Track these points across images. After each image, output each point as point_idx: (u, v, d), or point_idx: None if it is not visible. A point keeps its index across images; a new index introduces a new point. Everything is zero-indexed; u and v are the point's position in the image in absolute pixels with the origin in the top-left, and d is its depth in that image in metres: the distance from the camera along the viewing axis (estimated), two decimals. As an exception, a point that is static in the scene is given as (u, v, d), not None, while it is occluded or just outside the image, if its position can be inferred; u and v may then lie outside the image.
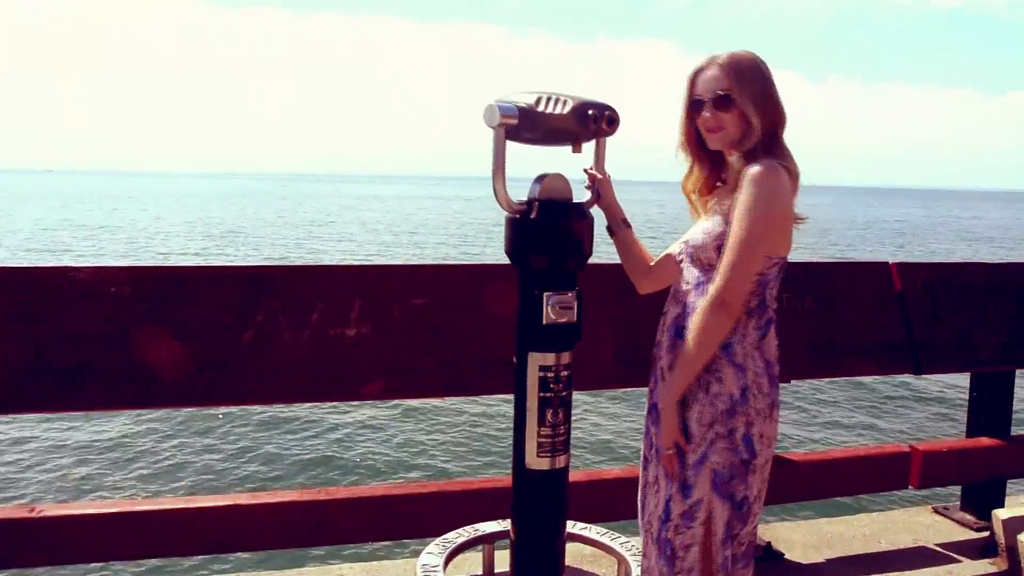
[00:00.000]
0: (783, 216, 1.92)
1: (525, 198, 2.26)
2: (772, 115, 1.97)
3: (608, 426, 9.27)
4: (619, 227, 2.34)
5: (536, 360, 2.19)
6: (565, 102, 2.18)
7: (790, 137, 2.05)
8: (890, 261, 3.27)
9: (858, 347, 3.22)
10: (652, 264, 2.28)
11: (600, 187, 2.35)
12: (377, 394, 2.65)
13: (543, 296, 2.20)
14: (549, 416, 2.23)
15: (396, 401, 8.93)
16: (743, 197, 1.89)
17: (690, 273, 2.06)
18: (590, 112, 2.16)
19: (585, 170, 2.38)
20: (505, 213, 2.27)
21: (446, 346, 2.71)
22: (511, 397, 2.36)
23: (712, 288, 1.93)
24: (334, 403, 7.70)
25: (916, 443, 3.48)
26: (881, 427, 9.60)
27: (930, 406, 10.57)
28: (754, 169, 1.90)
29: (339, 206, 73.50)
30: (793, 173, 1.93)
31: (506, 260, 2.33)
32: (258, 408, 9.28)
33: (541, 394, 2.20)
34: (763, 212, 1.88)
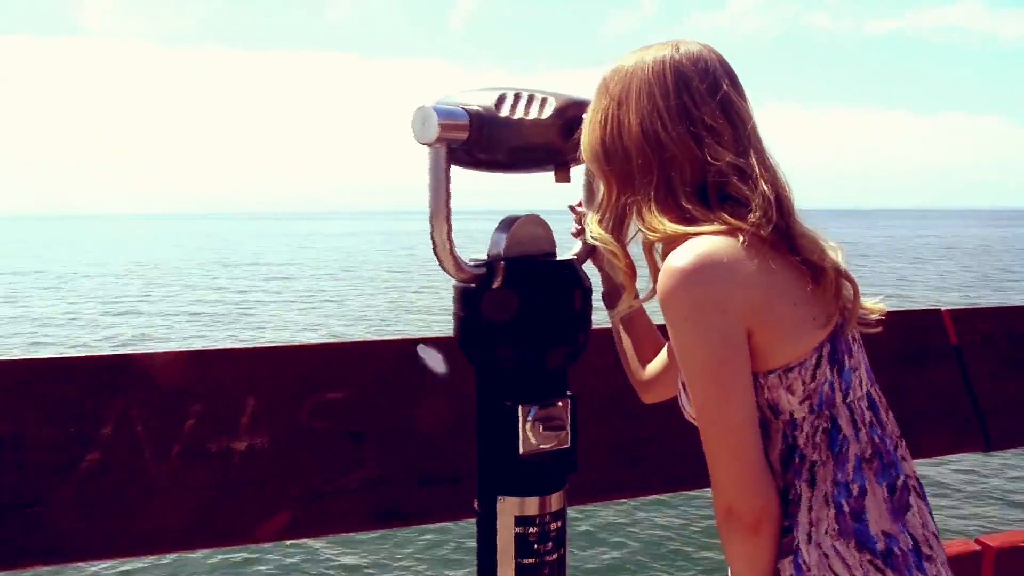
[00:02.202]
0: (736, 315, 1.29)
1: (483, 256, 1.65)
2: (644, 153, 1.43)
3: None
4: (619, 295, 1.67)
5: (510, 509, 1.51)
6: (544, 101, 1.60)
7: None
8: (940, 309, 2.66)
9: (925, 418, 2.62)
10: (663, 357, 1.60)
11: (585, 223, 1.69)
12: (279, 532, 1.97)
13: (518, 411, 1.50)
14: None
15: (308, 541, 7.33)
16: (669, 331, 1.35)
17: None
18: (584, 116, 1.56)
19: (572, 208, 1.77)
20: (452, 281, 1.57)
21: (373, 458, 2.09)
22: (467, 526, 1.65)
23: (713, 498, 1.35)
24: (218, 551, 6.23)
25: (986, 537, 2.88)
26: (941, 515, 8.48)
27: (998, 484, 8.90)
28: (660, 279, 1.34)
29: (285, 245, 71.39)
30: (744, 225, 1.34)
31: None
32: (98, 566, 6.93)
33: (520, 560, 1.50)
34: (700, 345, 1.30)
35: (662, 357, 1.68)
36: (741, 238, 1.31)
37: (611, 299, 1.74)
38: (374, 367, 2.10)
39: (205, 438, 1.97)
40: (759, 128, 1.42)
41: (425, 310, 24.76)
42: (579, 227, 1.78)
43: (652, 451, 2.24)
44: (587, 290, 1.64)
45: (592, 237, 1.49)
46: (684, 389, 1.41)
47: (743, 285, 1.28)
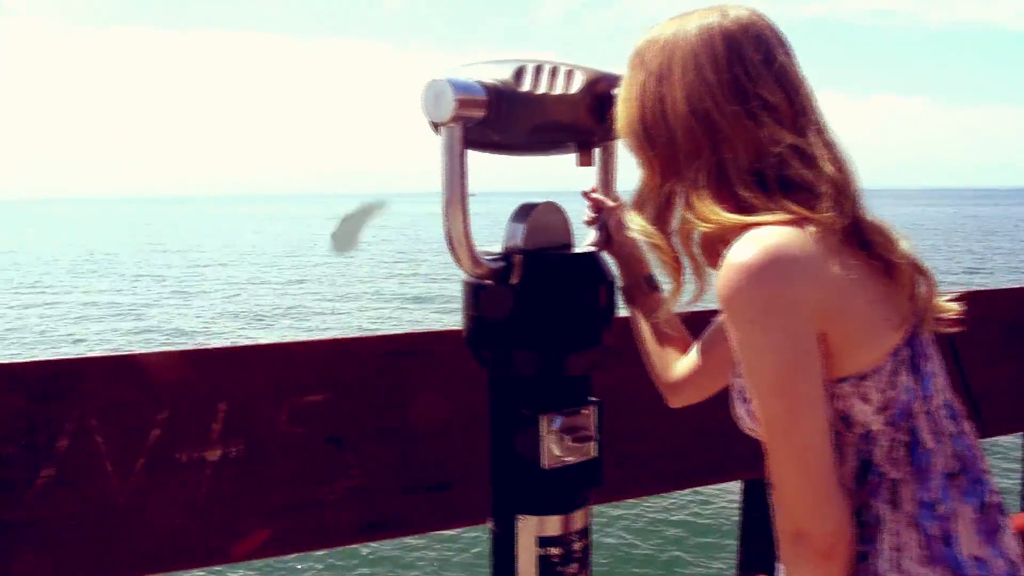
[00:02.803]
0: (808, 318, 1.16)
1: (497, 248, 1.54)
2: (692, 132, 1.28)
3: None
4: (641, 289, 1.53)
5: (531, 529, 1.38)
6: (571, 74, 1.48)
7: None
8: None
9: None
10: (695, 356, 1.48)
11: (611, 222, 1.66)
12: (258, 550, 1.84)
13: (539, 421, 1.37)
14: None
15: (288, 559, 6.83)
16: (730, 335, 1.21)
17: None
18: (614, 92, 1.43)
19: (586, 194, 1.68)
20: (463, 275, 1.43)
21: (358, 465, 1.95)
22: (475, 533, 1.53)
23: (777, 518, 1.23)
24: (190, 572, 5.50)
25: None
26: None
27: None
28: (720, 274, 1.20)
29: (221, 229, 68.35)
30: (813, 216, 1.20)
31: (447, 321, 1.50)
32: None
33: (545, 585, 1.38)
34: (769, 352, 1.17)
35: (692, 356, 1.56)
36: (811, 229, 1.18)
37: (631, 294, 1.62)
38: (357, 366, 1.96)
39: (173, 449, 1.81)
40: (817, 101, 1.30)
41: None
42: (594, 215, 1.65)
43: (643, 449, 2.14)
44: (611, 284, 1.52)
45: (633, 229, 1.36)
46: (743, 398, 1.29)
47: (816, 283, 1.16)
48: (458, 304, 1.62)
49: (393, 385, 1.96)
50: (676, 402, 1.61)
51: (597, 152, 1.62)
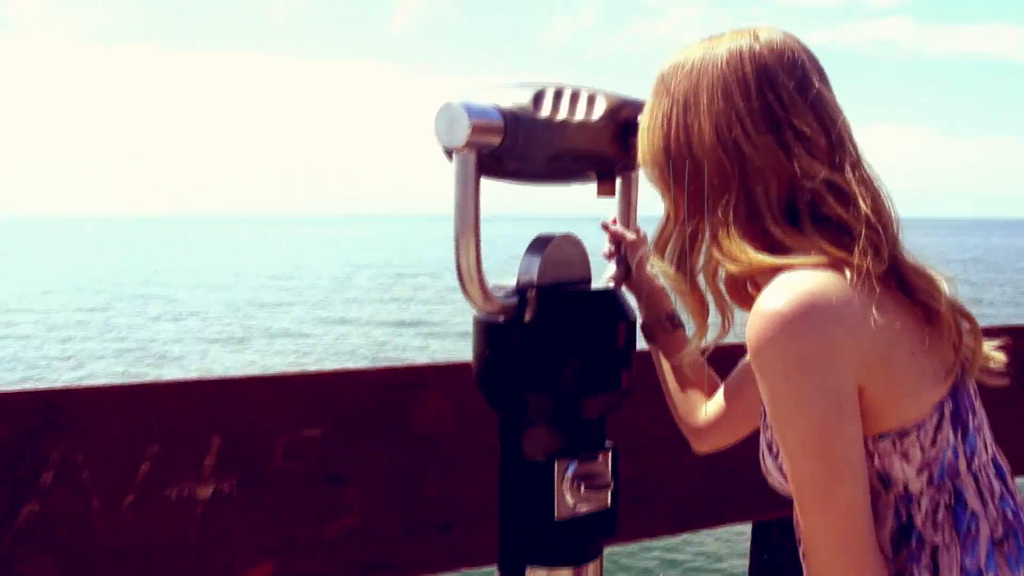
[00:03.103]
0: (847, 371, 1.08)
1: (510, 283, 1.48)
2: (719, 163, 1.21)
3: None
4: (664, 327, 1.46)
5: (543, 582, 1.30)
6: (593, 99, 1.41)
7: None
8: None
9: None
10: (721, 399, 1.40)
11: (631, 255, 1.59)
12: None
13: (555, 467, 1.29)
14: None
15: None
16: (760, 388, 1.13)
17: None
18: (639, 120, 1.35)
19: (605, 226, 1.62)
20: (474, 311, 1.36)
21: (357, 504, 1.87)
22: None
23: None
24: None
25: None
26: None
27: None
28: (751, 322, 1.12)
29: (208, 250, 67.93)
30: (850, 258, 1.13)
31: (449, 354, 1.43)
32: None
33: (557, 643, 1.31)
34: (804, 409, 1.09)
35: (719, 399, 1.49)
36: (849, 274, 1.10)
37: (653, 332, 1.55)
38: (355, 399, 1.89)
39: (163, 485, 1.73)
40: (853, 132, 1.22)
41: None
42: (613, 248, 1.58)
43: (661, 490, 2.06)
44: (631, 323, 1.45)
45: (655, 269, 1.28)
46: (771, 452, 1.21)
47: (855, 333, 1.08)
48: (456, 331, 1.55)
49: (395, 419, 1.88)
50: (702, 447, 1.53)
51: (619, 182, 1.54)
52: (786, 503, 1.21)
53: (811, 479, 1.09)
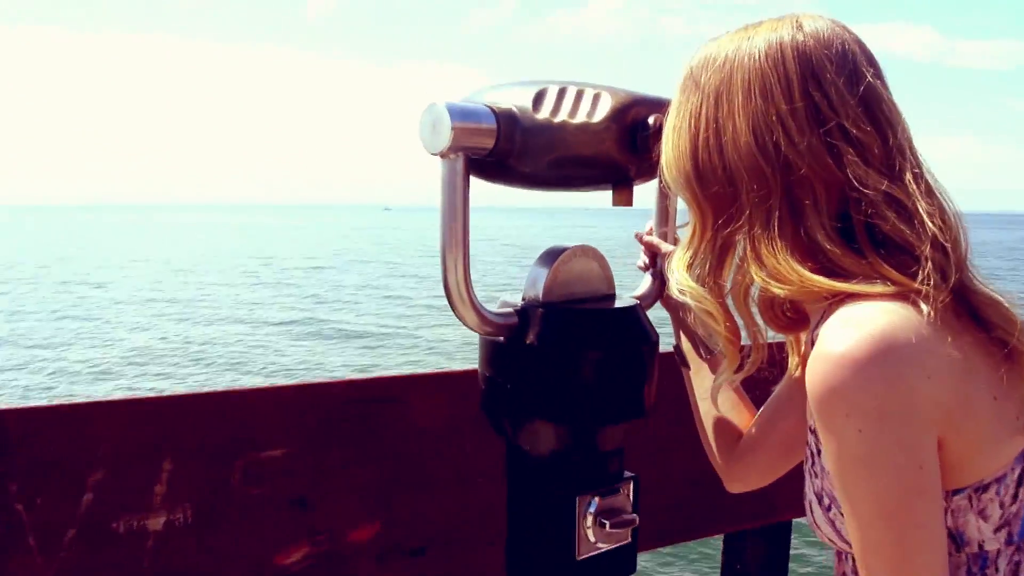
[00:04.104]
0: (928, 422, 0.99)
1: (517, 299, 1.39)
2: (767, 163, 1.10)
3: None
4: (699, 351, 1.37)
5: (566, 626, 1.22)
6: (597, 98, 1.31)
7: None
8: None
9: None
10: (757, 432, 1.32)
11: (668, 269, 1.40)
12: None
13: (576, 503, 1.21)
14: None
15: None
16: (824, 451, 1.05)
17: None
18: (651, 120, 1.29)
19: (639, 236, 1.53)
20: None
21: (325, 528, 1.74)
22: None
23: None
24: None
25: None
26: None
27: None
28: (816, 365, 1.01)
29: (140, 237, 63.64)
30: (917, 286, 1.03)
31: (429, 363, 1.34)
32: None
33: None
34: (879, 469, 0.99)
35: (755, 432, 1.40)
36: (924, 308, 1.00)
37: (687, 356, 1.44)
38: (321, 415, 1.75)
39: (109, 517, 1.57)
40: (912, 135, 1.12)
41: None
42: (648, 261, 1.47)
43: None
44: (653, 345, 1.35)
45: (678, 289, 1.18)
46: (822, 504, 1.13)
47: (936, 379, 0.98)
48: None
49: (365, 437, 1.76)
50: (736, 486, 1.45)
51: (653, 187, 1.44)
52: (757, 514, 1.14)
53: (885, 547, 1.00)
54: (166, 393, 1.72)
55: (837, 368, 0.98)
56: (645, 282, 1.51)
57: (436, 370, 1.64)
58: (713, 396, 1.37)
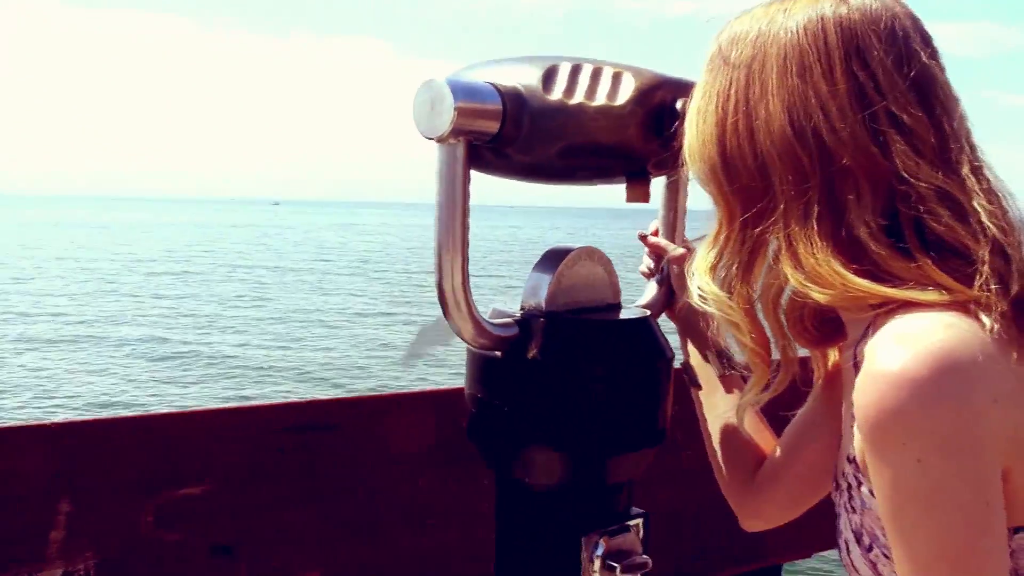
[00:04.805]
0: (995, 453, 0.87)
1: (513, 306, 1.23)
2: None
3: None
4: (714, 367, 1.32)
5: None
6: (618, 78, 1.17)
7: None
8: None
9: None
10: (778, 462, 1.17)
11: (676, 276, 1.34)
12: None
13: (582, 545, 1.04)
14: None
15: None
16: (875, 483, 0.92)
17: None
18: (678, 105, 1.15)
19: (643, 238, 1.38)
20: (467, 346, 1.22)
21: (251, 581, 1.48)
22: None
23: None
24: None
25: None
26: None
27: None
28: (867, 384, 0.89)
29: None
30: (975, 295, 0.91)
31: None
32: None
33: None
34: (943, 505, 0.87)
35: (779, 463, 1.24)
36: (986, 320, 0.88)
37: (697, 373, 1.29)
38: (249, 445, 1.54)
39: (-7, 570, 1.37)
40: (970, 125, 1.00)
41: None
42: (653, 266, 1.32)
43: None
44: (669, 361, 1.20)
45: (700, 296, 1.03)
46: (861, 544, 0.99)
47: (1002, 402, 0.86)
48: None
49: (299, 471, 1.55)
50: (753, 523, 1.29)
51: (661, 183, 1.30)
52: (755, 556, 1.01)
53: None
54: (62, 419, 1.47)
55: (893, 389, 0.85)
56: (650, 290, 1.36)
57: (387, 392, 1.44)
58: (739, 419, 1.21)
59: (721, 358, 1.29)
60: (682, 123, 1.10)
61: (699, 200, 1.31)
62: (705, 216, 1.11)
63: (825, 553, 2.17)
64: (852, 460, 1.00)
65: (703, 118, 1.02)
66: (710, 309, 1.03)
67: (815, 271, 0.94)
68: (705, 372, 1.30)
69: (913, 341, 0.86)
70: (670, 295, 1.33)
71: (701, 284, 1.04)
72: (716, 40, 1.04)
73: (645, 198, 1.22)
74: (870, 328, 0.95)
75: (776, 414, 1.20)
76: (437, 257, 1.13)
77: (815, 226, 0.95)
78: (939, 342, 0.85)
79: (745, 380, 1.28)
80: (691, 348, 1.32)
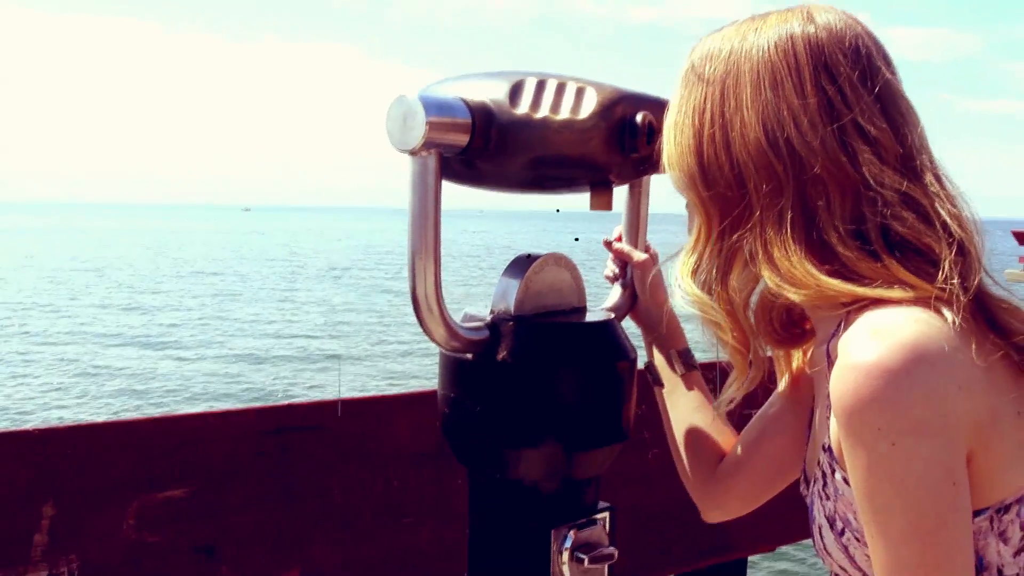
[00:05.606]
0: (961, 437, 0.94)
1: (483, 311, 1.28)
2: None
3: None
4: (674, 367, 1.38)
5: None
6: (581, 93, 1.23)
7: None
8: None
9: None
10: (739, 456, 1.23)
11: (638, 279, 1.41)
12: None
13: (551, 538, 1.09)
14: None
15: None
16: (850, 467, 0.98)
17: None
18: (638, 119, 1.21)
19: (608, 243, 1.45)
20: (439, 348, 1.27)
21: (233, 581, 1.50)
22: None
23: None
24: None
25: None
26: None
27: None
28: (843, 375, 0.95)
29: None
30: (936, 291, 0.98)
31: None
32: None
33: None
34: (913, 486, 0.93)
35: (740, 456, 1.31)
36: (948, 314, 0.95)
37: (660, 373, 1.36)
38: (229, 448, 1.58)
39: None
40: (927, 134, 1.07)
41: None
42: (618, 270, 1.38)
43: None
44: (632, 362, 1.26)
45: (685, 297, 1.09)
46: (834, 529, 1.05)
47: (967, 389, 0.93)
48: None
49: (278, 472, 1.60)
50: (714, 515, 1.36)
51: (624, 192, 1.36)
52: (720, 550, 1.07)
53: (909, 566, 0.94)
54: (43, 425, 1.50)
55: (869, 379, 0.92)
56: (614, 294, 1.43)
57: (363, 395, 1.49)
58: (720, 413, 1.28)
59: (682, 358, 1.36)
60: (643, 136, 1.17)
61: (659, 205, 1.38)
62: (663, 219, 1.18)
63: (786, 549, 2.23)
64: (827, 449, 1.07)
65: (680, 131, 1.09)
66: (695, 310, 1.10)
67: (790, 273, 1.02)
68: (667, 371, 1.37)
69: (886, 334, 0.93)
70: (633, 298, 1.40)
71: (686, 287, 1.10)
72: (689, 57, 1.11)
73: (608, 206, 1.28)
74: (842, 325, 1.03)
75: (742, 412, 1.27)
76: (410, 263, 1.19)
77: (789, 231, 1.02)
78: (910, 335, 0.92)
79: (706, 379, 1.35)
80: (654, 349, 1.38)
